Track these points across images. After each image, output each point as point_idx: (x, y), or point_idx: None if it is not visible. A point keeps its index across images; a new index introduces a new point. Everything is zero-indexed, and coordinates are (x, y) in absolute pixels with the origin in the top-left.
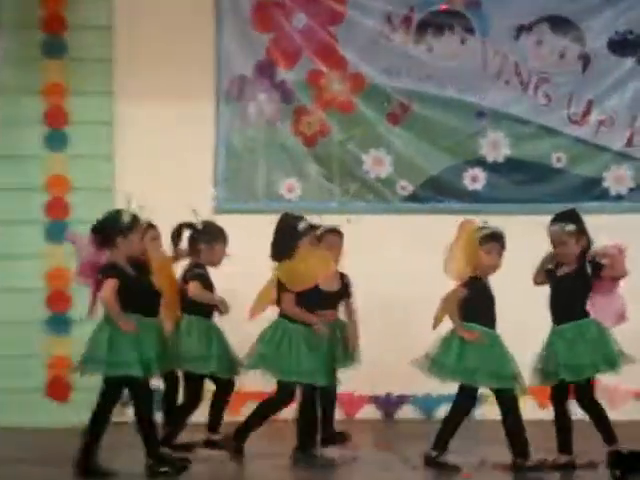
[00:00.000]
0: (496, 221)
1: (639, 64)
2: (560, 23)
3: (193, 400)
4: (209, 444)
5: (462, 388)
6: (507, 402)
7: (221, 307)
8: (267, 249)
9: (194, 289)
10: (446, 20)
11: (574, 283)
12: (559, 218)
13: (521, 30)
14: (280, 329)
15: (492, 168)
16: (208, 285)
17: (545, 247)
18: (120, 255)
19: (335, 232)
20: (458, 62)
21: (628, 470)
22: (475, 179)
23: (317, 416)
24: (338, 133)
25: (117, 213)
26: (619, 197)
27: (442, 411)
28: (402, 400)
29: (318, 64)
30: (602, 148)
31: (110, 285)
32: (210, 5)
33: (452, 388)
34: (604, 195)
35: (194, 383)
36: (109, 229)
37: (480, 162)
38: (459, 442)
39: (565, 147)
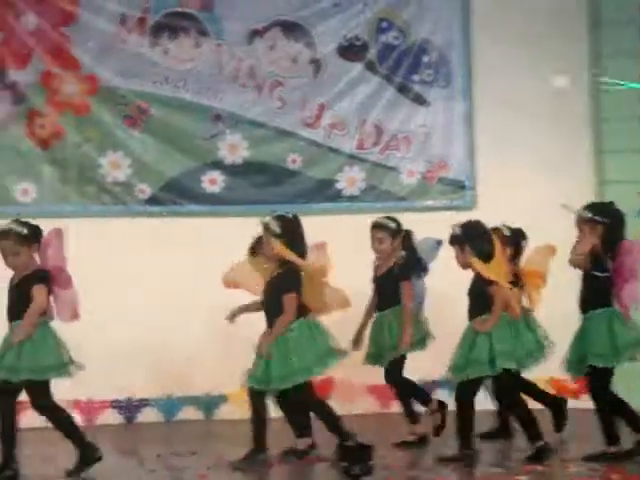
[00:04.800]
0: (235, 223)
1: (367, 69)
2: (292, 28)
3: None
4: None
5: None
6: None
7: None
8: None
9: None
10: (180, 23)
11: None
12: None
13: (254, 34)
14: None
15: (230, 171)
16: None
17: None
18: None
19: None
20: (194, 65)
21: (355, 462)
22: (213, 182)
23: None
24: (73, 136)
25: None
26: (352, 197)
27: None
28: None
29: (50, 65)
30: (335, 150)
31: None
32: None
33: None
34: (338, 196)
35: None
36: None
37: (218, 165)
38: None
39: (300, 149)
